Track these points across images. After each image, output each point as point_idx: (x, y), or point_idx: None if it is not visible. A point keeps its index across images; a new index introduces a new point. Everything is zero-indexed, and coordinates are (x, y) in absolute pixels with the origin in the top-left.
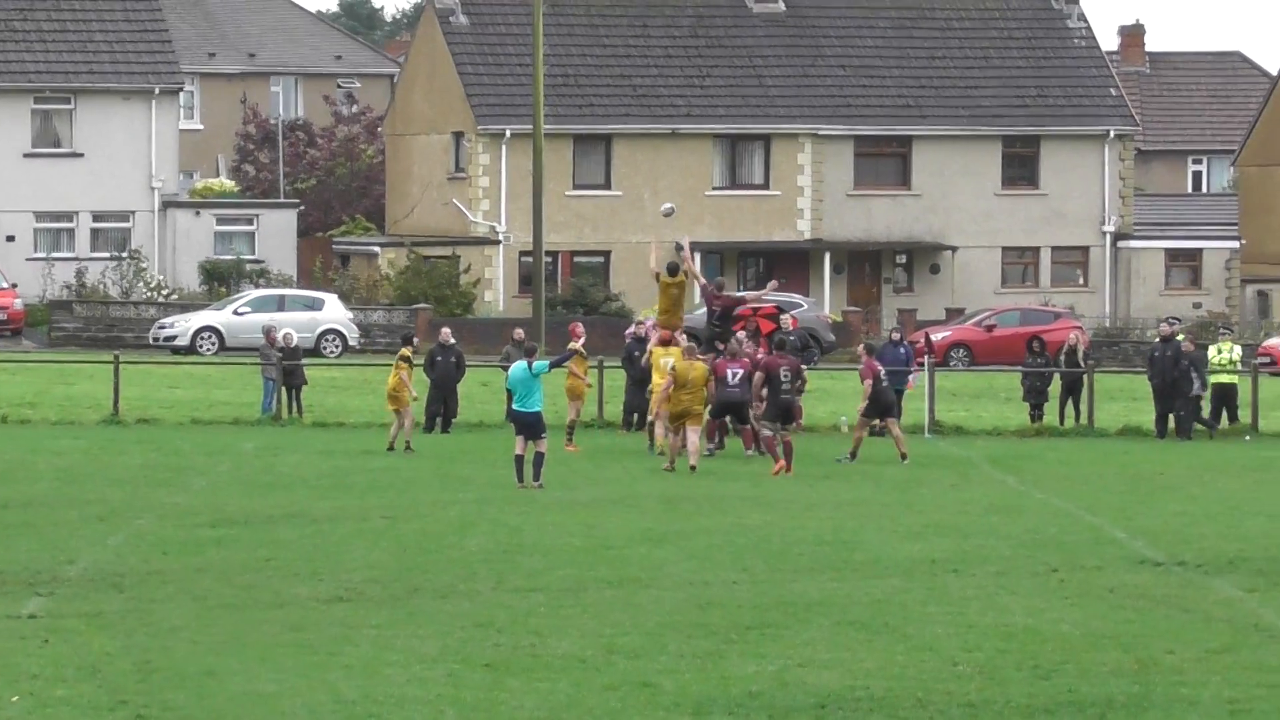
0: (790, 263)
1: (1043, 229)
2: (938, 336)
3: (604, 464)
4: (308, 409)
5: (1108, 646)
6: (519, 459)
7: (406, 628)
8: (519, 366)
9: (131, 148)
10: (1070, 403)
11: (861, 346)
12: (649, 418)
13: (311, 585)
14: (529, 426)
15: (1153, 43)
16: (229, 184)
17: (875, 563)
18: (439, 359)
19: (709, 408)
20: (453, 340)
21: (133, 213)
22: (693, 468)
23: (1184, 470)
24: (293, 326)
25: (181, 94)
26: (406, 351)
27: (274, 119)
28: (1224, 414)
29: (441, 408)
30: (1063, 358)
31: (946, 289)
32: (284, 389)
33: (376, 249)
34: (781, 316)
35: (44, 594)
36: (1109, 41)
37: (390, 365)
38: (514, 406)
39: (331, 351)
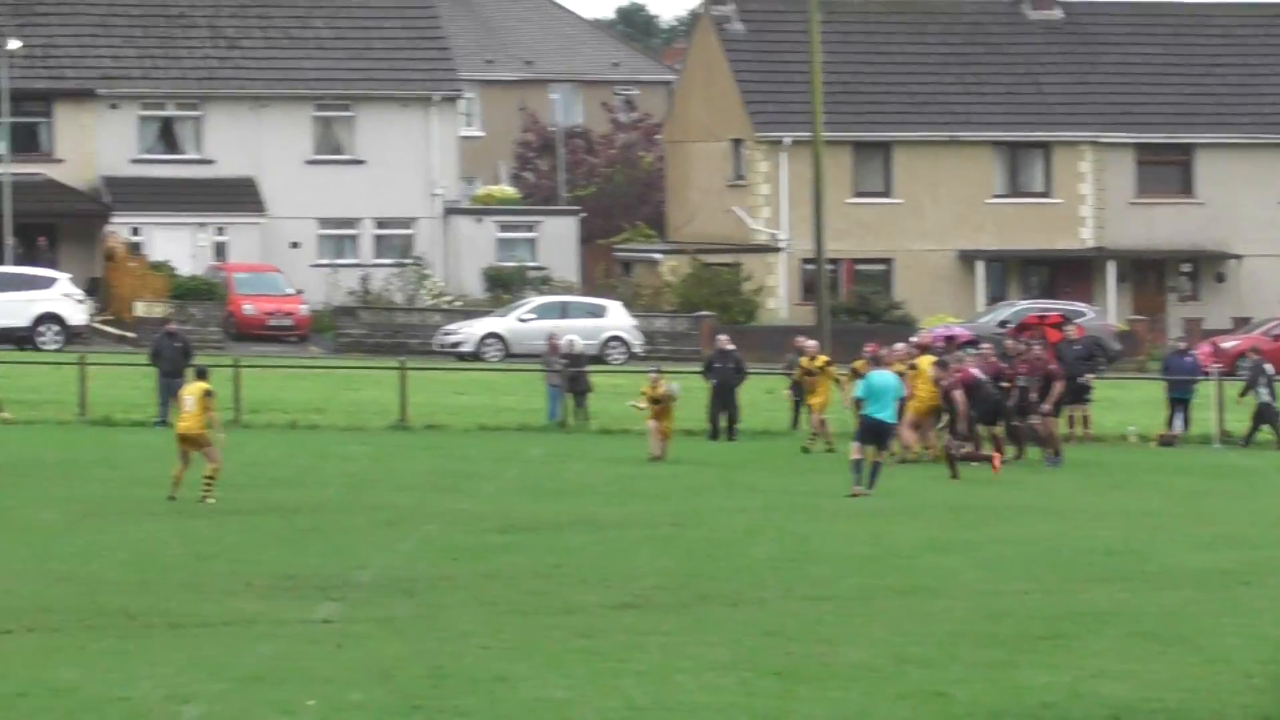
0: (1073, 271)
1: None
2: (1226, 345)
3: (890, 472)
4: (593, 415)
5: None
6: (857, 463)
7: (696, 635)
8: (884, 375)
9: (412, 155)
10: None
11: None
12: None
13: (600, 592)
14: (879, 435)
15: None
16: (510, 191)
17: (1166, 573)
18: (716, 365)
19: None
20: (731, 346)
21: (415, 219)
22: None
23: None
24: (577, 333)
25: (461, 101)
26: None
27: (553, 126)
28: None
29: (723, 413)
30: None
31: (1233, 297)
32: (569, 395)
33: (658, 256)
34: (1066, 326)
35: (336, 599)
36: None
37: (665, 374)
38: (868, 413)
39: (616, 358)
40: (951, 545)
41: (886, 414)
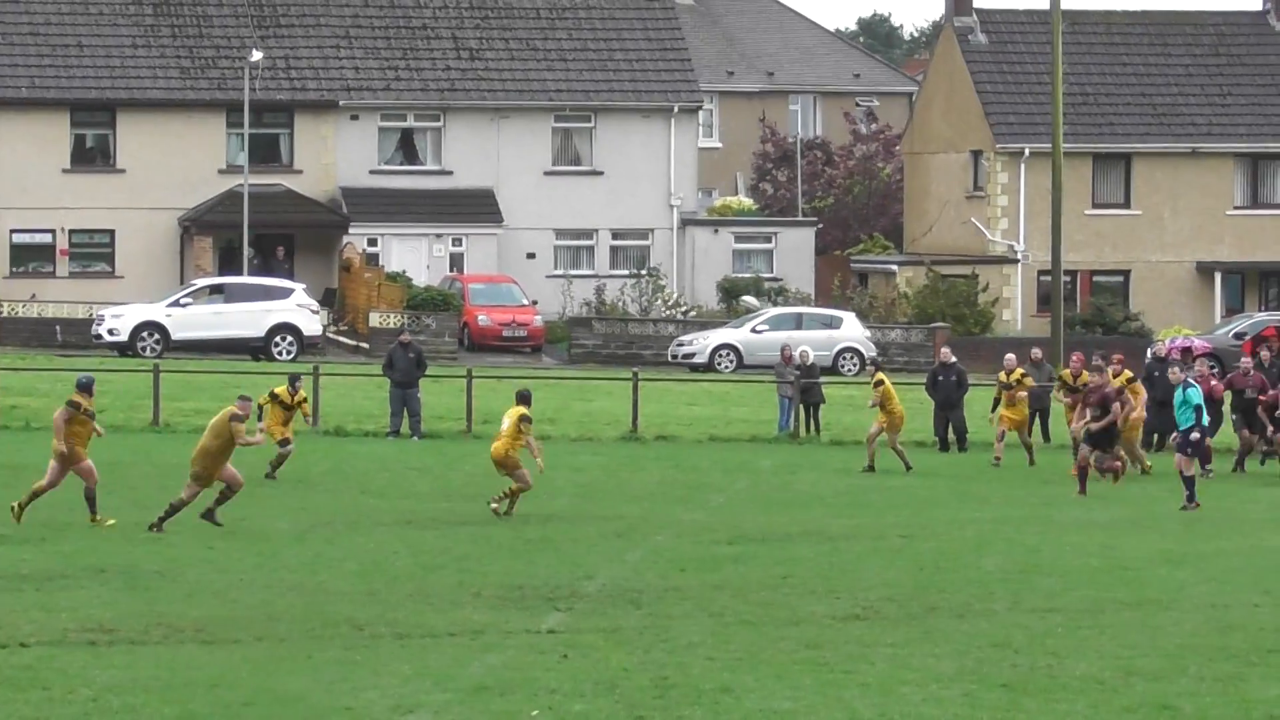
0: None
1: None
2: None
3: (1121, 484)
4: (825, 427)
5: None
6: (1189, 479)
7: (923, 646)
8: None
9: (650, 166)
10: None
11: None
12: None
13: (828, 603)
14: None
15: None
16: (747, 202)
17: None
18: (940, 378)
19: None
20: (953, 359)
21: (651, 230)
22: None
23: None
24: (810, 344)
25: (700, 112)
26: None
27: (792, 137)
28: None
29: (949, 426)
30: None
31: None
32: (801, 406)
33: (894, 267)
34: None
35: (563, 609)
36: None
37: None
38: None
39: (850, 370)
40: (1183, 558)
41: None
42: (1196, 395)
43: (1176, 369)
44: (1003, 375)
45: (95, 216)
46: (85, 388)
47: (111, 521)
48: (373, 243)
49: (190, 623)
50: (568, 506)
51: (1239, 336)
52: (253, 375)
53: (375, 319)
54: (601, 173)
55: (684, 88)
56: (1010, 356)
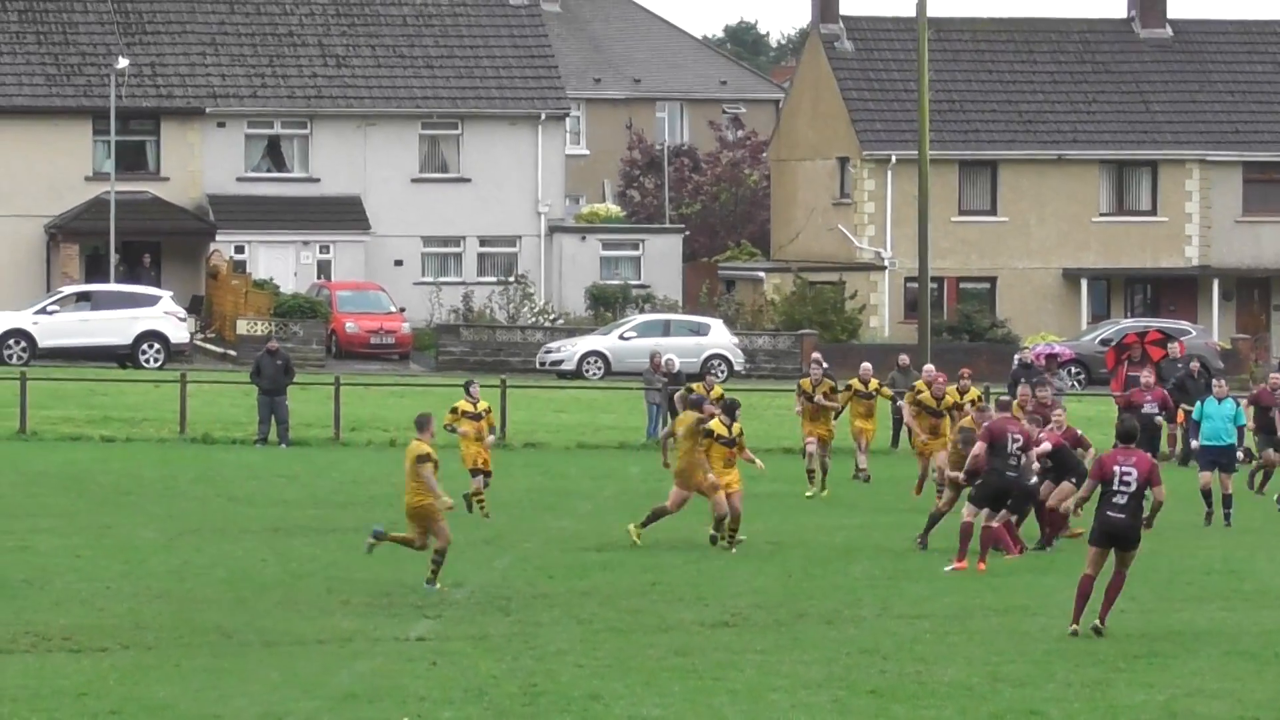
0: (1177, 289)
1: None
2: None
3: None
4: None
5: None
6: (1207, 493)
7: (791, 653)
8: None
9: (518, 173)
10: None
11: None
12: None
13: (697, 610)
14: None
15: None
16: (615, 209)
17: (1265, 592)
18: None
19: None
20: (825, 365)
21: (519, 237)
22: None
23: None
24: (678, 352)
25: (568, 119)
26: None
27: (659, 144)
28: None
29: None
30: None
31: None
32: (669, 413)
33: (761, 274)
34: (1170, 344)
35: (431, 616)
36: None
37: (778, 390)
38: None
39: (717, 377)
40: (1050, 564)
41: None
42: (1242, 414)
43: (1222, 382)
44: (857, 383)
45: None
46: None
47: None
48: (240, 250)
49: (57, 631)
50: None
51: (1104, 343)
52: (120, 383)
53: (242, 326)
54: (469, 180)
55: (551, 95)
56: (866, 365)
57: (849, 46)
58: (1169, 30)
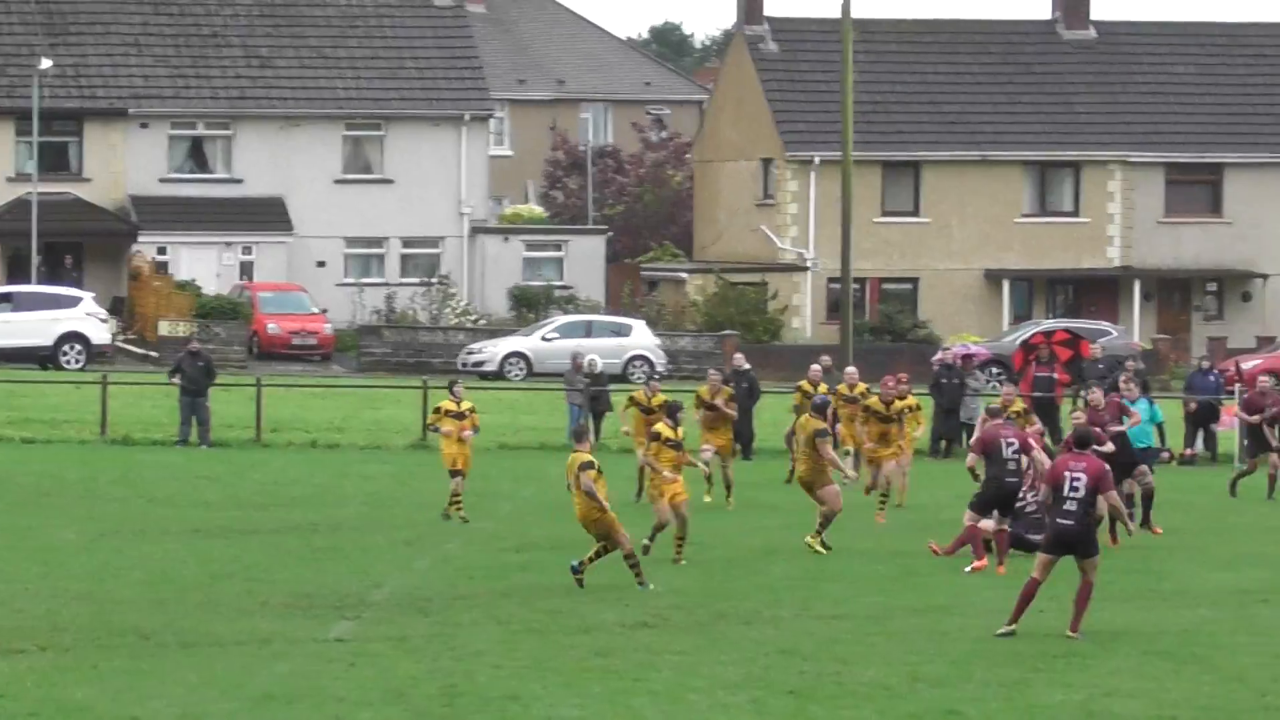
0: (1099, 290)
1: None
2: (1248, 365)
3: (916, 492)
4: (614, 435)
5: None
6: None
7: (710, 654)
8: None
9: (441, 174)
10: None
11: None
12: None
13: (617, 610)
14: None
15: None
16: (538, 210)
17: (1183, 592)
18: (731, 386)
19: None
20: (746, 366)
21: (442, 238)
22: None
23: None
24: (600, 352)
25: (491, 120)
26: None
27: (583, 145)
28: None
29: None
30: None
31: (1258, 317)
32: (590, 414)
33: (684, 275)
34: (1083, 344)
35: (351, 618)
36: None
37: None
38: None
39: (639, 377)
40: (968, 563)
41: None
42: (1160, 414)
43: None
44: (806, 384)
45: None
46: None
47: None
48: (162, 251)
49: None
50: (356, 515)
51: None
52: (40, 384)
53: (164, 327)
54: (392, 181)
55: (475, 96)
56: (815, 367)
57: (773, 48)
58: (1092, 31)
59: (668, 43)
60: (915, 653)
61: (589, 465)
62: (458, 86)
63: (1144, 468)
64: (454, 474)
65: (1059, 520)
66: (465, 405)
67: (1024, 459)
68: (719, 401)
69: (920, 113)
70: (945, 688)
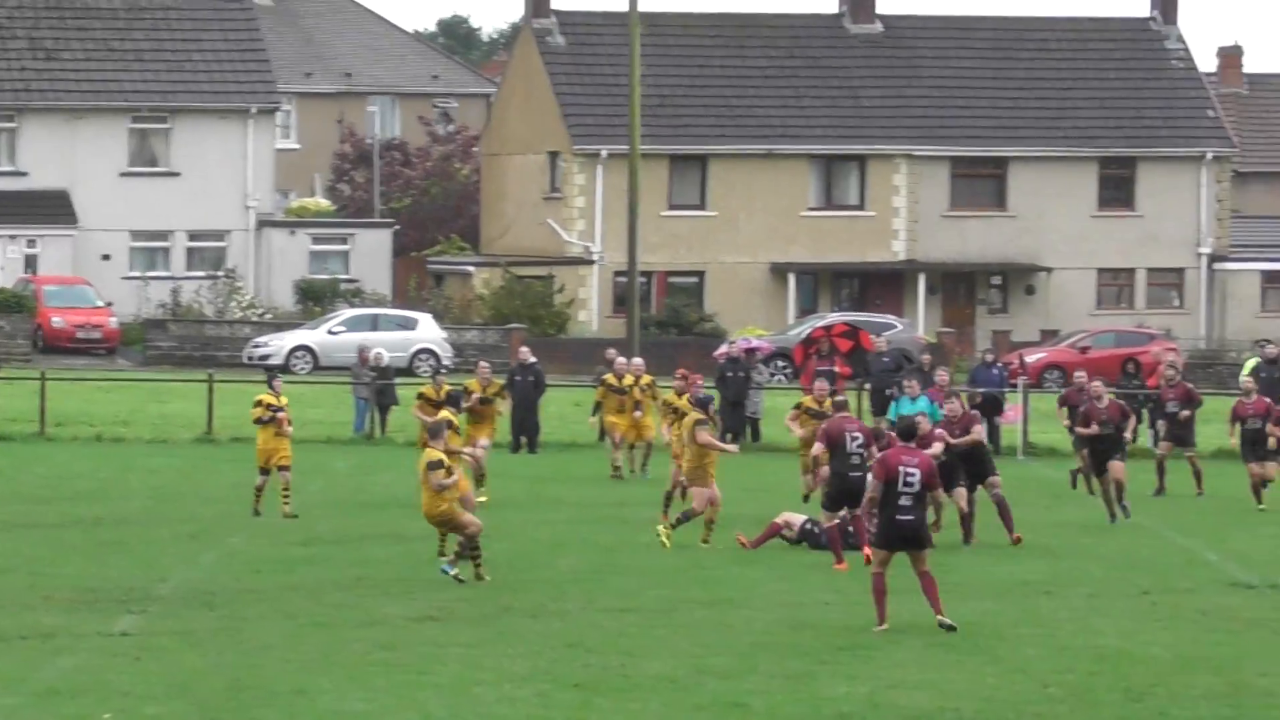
0: (884, 283)
1: (1138, 251)
2: (1032, 358)
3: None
4: (400, 429)
5: (1200, 669)
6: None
7: (497, 647)
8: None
9: (227, 167)
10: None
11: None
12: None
13: (403, 604)
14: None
15: (1251, 64)
16: (325, 203)
17: (967, 584)
18: (518, 378)
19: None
20: (532, 359)
21: (228, 232)
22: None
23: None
24: (386, 346)
25: (278, 113)
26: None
27: (370, 138)
28: None
29: (520, 426)
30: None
31: (1041, 310)
32: (376, 408)
33: (471, 269)
34: (863, 335)
35: (136, 612)
36: (1207, 63)
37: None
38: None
39: (425, 371)
40: (756, 557)
41: None
42: (939, 413)
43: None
44: (611, 378)
45: None
46: None
47: None
48: None
49: None
50: (141, 509)
51: None
52: None
53: None
54: (178, 174)
55: (261, 89)
56: (621, 360)
57: (561, 41)
58: (879, 26)
59: (455, 36)
60: (701, 646)
61: (437, 465)
62: (244, 79)
63: (995, 479)
64: (264, 471)
65: (897, 518)
66: (283, 400)
67: (868, 452)
68: (491, 394)
69: (707, 106)
70: (731, 680)
